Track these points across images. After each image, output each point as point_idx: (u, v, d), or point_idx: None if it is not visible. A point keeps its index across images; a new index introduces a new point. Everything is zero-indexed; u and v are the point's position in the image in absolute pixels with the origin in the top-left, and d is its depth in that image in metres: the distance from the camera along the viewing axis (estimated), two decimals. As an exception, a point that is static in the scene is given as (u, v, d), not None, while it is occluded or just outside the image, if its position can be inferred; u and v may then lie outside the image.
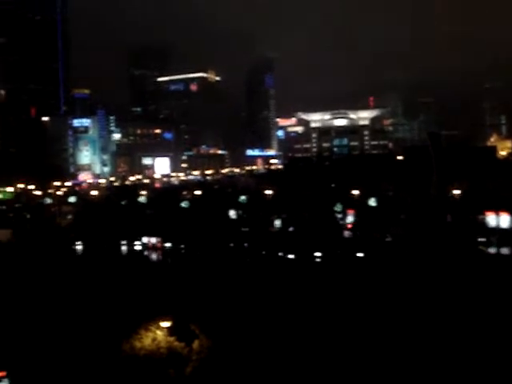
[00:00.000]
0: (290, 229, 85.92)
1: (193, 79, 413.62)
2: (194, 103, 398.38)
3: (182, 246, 79.71)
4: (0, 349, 37.24)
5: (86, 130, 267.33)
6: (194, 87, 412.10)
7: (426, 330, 40.29)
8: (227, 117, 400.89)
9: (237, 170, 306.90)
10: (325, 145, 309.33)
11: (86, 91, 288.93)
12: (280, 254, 70.79)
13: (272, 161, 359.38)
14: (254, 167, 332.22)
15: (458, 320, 41.73)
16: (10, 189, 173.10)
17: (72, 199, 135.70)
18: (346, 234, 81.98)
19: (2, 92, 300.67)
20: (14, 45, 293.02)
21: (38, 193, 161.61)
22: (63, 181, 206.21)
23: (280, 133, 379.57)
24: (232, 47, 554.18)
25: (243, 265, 66.38)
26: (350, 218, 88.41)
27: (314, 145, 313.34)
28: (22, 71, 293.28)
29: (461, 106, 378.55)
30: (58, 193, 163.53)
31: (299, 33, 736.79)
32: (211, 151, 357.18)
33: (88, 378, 34.81)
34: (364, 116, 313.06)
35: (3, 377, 30.65)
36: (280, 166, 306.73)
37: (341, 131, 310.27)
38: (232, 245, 77.39)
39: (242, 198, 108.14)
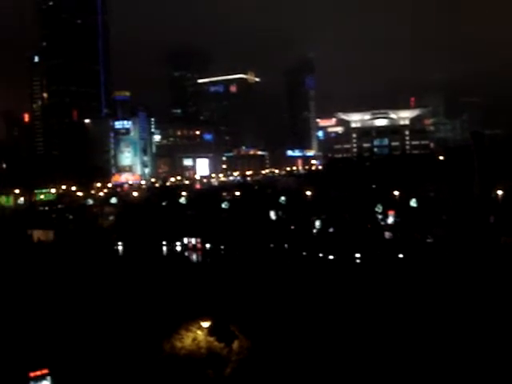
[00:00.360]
0: (330, 229, 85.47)
1: (232, 80, 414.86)
2: (233, 104, 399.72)
3: (222, 247, 79.83)
4: (43, 346, 37.76)
5: (127, 131, 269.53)
6: (233, 88, 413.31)
7: (471, 333, 39.65)
8: (267, 118, 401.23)
9: (277, 171, 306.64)
10: (365, 145, 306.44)
11: (127, 93, 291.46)
12: (320, 254, 70.41)
13: (312, 161, 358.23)
14: (294, 168, 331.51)
15: (505, 323, 40.97)
16: (53, 190, 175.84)
17: (113, 200, 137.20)
18: (387, 234, 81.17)
19: (45, 95, 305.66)
20: (56, 48, 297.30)
21: (80, 194, 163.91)
22: (105, 182, 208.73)
23: (320, 133, 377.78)
24: (271, 48, 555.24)
25: (283, 266, 66.14)
26: (390, 219, 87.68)
27: (355, 145, 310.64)
28: (64, 74, 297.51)
29: (504, 104, 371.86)
30: (100, 194, 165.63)
31: (339, 33, 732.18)
32: (251, 152, 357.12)
33: (129, 377, 35.06)
34: (405, 116, 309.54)
35: (46, 374, 30.98)
36: (320, 167, 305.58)
37: (381, 131, 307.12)
38: (272, 245, 77.26)
39: (282, 198, 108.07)
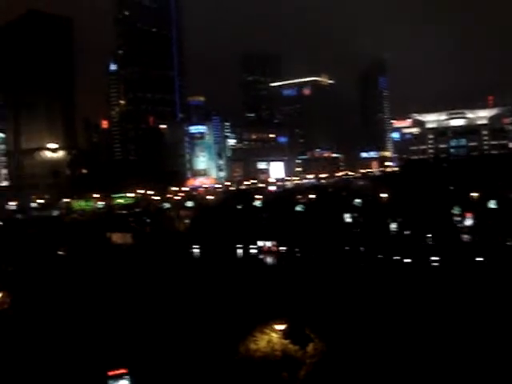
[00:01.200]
0: (407, 232, 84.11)
1: (305, 83, 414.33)
2: (307, 107, 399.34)
3: (297, 250, 79.62)
4: (122, 346, 38.61)
5: (201, 136, 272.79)
6: (306, 91, 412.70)
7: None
8: (341, 119, 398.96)
9: (351, 173, 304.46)
10: (441, 146, 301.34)
11: (201, 98, 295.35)
12: (396, 257, 69.36)
13: (387, 163, 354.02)
14: (369, 170, 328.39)
15: None
16: (131, 194, 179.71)
17: (189, 204, 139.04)
18: (465, 237, 79.26)
19: (122, 102, 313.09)
20: (132, 56, 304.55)
21: (157, 198, 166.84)
22: (181, 186, 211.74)
23: (395, 134, 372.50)
24: (344, 49, 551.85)
25: (358, 268, 65.52)
26: (468, 221, 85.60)
27: (431, 146, 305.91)
28: (140, 81, 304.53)
29: None
30: (176, 198, 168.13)
31: (413, 33, 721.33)
32: (325, 154, 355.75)
33: (205, 378, 35.44)
34: (482, 115, 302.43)
35: (124, 373, 31.60)
36: (396, 168, 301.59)
37: (458, 131, 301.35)
38: (347, 248, 76.61)
39: (357, 201, 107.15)
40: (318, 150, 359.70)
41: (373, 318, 43.41)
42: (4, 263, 69.37)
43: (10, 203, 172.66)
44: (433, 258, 66.41)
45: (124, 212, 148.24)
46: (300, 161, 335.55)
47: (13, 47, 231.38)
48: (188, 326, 42.94)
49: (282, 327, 37.78)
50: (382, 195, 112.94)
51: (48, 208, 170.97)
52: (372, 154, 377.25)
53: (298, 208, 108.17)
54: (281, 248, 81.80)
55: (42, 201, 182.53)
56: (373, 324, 42.27)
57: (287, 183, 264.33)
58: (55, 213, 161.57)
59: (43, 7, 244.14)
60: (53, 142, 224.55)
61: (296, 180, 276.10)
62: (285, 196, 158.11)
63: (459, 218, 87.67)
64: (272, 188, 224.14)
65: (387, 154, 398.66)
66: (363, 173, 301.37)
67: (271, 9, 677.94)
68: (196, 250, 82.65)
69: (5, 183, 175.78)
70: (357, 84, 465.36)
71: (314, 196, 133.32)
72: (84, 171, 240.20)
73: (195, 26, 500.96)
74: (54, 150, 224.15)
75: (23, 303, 50.15)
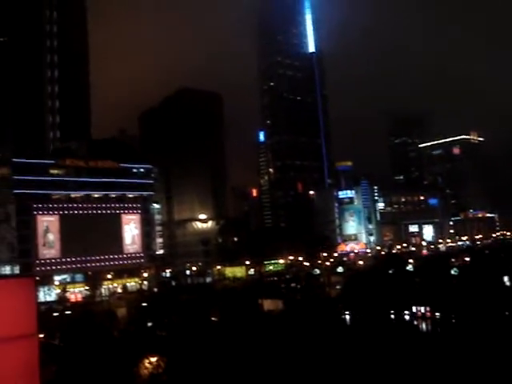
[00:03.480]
0: None
1: (455, 142, 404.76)
2: (457, 166, 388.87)
3: (453, 316, 76.45)
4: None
5: (350, 200, 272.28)
6: (456, 150, 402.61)
7: None
8: (495, 178, 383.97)
9: (509, 234, 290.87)
10: None
11: (349, 163, 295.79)
12: None
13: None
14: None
15: None
16: (281, 261, 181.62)
17: (340, 269, 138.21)
18: None
19: (271, 170, 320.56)
20: (279, 125, 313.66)
21: (307, 264, 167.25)
22: (331, 251, 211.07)
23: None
24: (495, 106, 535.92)
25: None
26: None
27: None
28: (288, 150, 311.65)
29: None
30: (326, 263, 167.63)
31: None
32: (479, 215, 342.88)
33: None
34: None
35: None
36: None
37: None
38: (507, 313, 72.52)
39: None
40: (471, 210, 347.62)
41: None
42: (158, 328, 71.72)
43: (165, 271, 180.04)
44: None
45: (275, 278, 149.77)
46: (453, 222, 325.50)
47: (167, 121, 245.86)
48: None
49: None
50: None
51: (200, 275, 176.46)
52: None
53: (453, 271, 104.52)
54: (436, 314, 78.98)
55: (194, 268, 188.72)
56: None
57: (440, 246, 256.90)
58: (207, 280, 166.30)
59: (195, 85, 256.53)
60: (203, 213, 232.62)
61: (449, 242, 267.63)
62: (438, 259, 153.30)
63: None
64: (424, 251, 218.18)
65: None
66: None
67: (408, 63, 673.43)
68: (348, 317, 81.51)
69: (160, 251, 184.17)
70: (510, 140, 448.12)
71: (468, 259, 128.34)
72: (235, 239, 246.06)
73: (339, 90, 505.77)
74: (204, 221, 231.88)
75: (176, 368, 51.26)
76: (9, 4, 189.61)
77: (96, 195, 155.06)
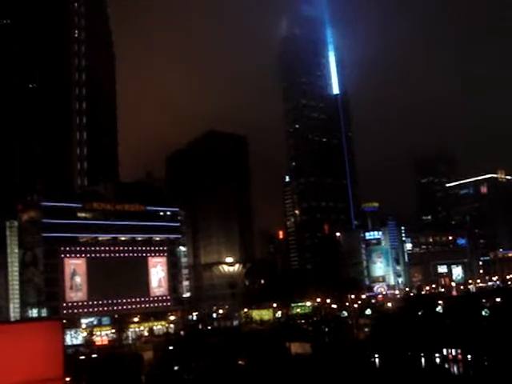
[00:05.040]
0: None
1: (482, 181, 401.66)
2: (485, 205, 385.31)
3: (485, 358, 74.76)
4: None
5: (378, 241, 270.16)
6: (484, 189, 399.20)
7: None
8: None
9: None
10: None
11: (376, 204, 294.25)
12: None
13: None
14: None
15: None
16: (308, 303, 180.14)
17: (368, 311, 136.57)
18: None
19: (297, 212, 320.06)
20: (305, 167, 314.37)
21: (335, 306, 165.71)
22: (359, 293, 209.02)
23: None
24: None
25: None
26: None
27: None
28: (313, 191, 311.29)
29: None
30: (354, 305, 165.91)
31: None
32: (510, 254, 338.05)
33: None
34: None
35: None
36: None
37: None
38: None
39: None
40: (501, 249, 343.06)
41: None
42: (185, 372, 71.10)
43: (192, 314, 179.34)
44: None
45: (302, 321, 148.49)
46: (482, 262, 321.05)
47: (194, 163, 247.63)
48: None
49: None
50: None
51: (227, 318, 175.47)
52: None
53: (484, 312, 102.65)
54: (467, 356, 77.34)
55: (221, 311, 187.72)
56: None
57: (470, 286, 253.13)
58: (235, 323, 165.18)
59: (222, 127, 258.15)
60: (230, 256, 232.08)
61: (479, 283, 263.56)
62: (468, 300, 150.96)
63: None
64: (454, 292, 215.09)
65: None
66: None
67: (430, 106, 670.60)
68: (377, 360, 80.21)
69: (187, 294, 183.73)
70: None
71: (499, 299, 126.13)
72: (261, 281, 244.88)
73: (365, 131, 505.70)
74: (231, 264, 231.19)
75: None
76: (39, 51, 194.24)
77: (123, 238, 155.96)
